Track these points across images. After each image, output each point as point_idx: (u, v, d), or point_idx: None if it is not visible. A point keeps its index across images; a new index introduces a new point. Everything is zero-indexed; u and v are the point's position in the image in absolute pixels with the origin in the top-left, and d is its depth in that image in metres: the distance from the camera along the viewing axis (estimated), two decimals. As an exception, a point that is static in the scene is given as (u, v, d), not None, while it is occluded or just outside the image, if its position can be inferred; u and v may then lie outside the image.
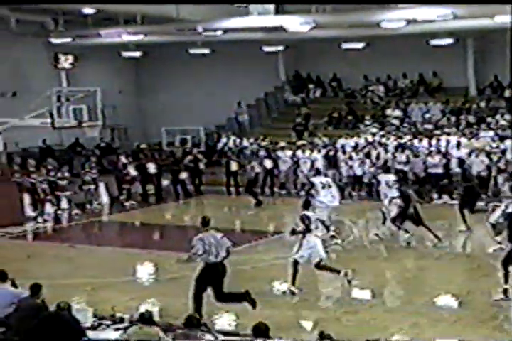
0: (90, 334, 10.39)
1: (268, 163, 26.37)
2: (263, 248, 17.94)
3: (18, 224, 21.34)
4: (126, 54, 32.54)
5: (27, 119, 21.82)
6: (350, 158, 25.84)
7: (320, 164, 25.49)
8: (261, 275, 14.87)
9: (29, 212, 22.66)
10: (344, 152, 26.45)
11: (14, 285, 11.50)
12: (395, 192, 18.12)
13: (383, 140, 27.31)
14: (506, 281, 12.95)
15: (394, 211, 17.87)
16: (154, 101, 35.05)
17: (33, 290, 10.89)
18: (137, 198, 25.73)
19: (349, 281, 13.84)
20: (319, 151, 26.67)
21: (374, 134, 28.38)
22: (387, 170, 20.55)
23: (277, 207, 24.47)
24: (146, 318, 9.60)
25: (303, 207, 14.89)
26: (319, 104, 33.41)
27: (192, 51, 31.48)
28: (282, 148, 27.49)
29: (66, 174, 24.17)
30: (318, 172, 20.08)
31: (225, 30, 27.40)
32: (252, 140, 30.46)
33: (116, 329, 11.30)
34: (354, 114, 31.72)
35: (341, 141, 27.99)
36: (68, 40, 29.42)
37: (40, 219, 22.46)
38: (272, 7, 26.03)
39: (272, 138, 29.84)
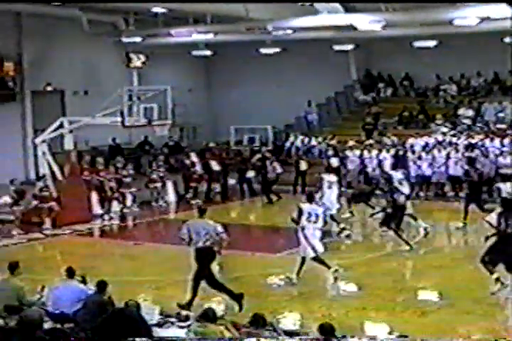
0: (156, 331, 10.41)
1: (334, 162, 26.25)
2: (328, 247, 17.76)
3: (86, 222, 21.59)
4: (196, 53, 32.72)
5: (98, 118, 21.99)
6: (420, 157, 25.58)
7: (388, 164, 25.35)
8: (325, 275, 14.73)
9: (97, 209, 22.88)
10: (413, 152, 26.20)
11: (84, 281, 11.61)
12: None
13: (454, 139, 26.91)
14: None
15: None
16: (224, 99, 35.14)
17: (99, 287, 10.97)
18: (203, 197, 25.81)
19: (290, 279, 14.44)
20: (388, 151, 26.44)
21: (444, 133, 27.99)
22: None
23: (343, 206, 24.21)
24: (210, 316, 9.56)
25: (307, 199, 15.10)
26: (390, 103, 33.06)
27: (262, 50, 31.47)
28: (351, 148, 27.30)
29: (131, 171, 24.36)
30: (328, 170, 21.47)
31: (295, 29, 27.29)
32: (320, 139, 30.34)
33: (181, 327, 11.31)
34: (425, 113, 31.31)
35: (411, 141, 27.69)
36: (139, 39, 29.71)
37: (106, 217, 22.67)
38: (340, 5, 25.81)
39: (340, 138, 29.66)
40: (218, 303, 12.84)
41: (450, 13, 24.09)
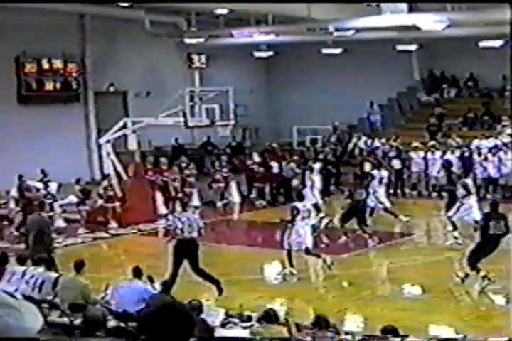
0: (219, 331, 10.39)
1: (396, 164, 25.98)
2: (391, 250, 17.61)
3: (151, 222, 21.70)
4: (257, 54, 32.72)
5: (161, 118, 22.10)
6: (486, 159, 25.18)
7: (454, 165, 25.02)
8: (389, 277, 14.57)
9: (162, 209, 22.94)
10: (479, 153, 25.80)
11: (151, 280, 11.66)
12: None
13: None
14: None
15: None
16: (286, 100, 35.03)
17: (164, 287, 11.00)
18: (267, 197, 25.74)
19: (329, 267, 14.87)
20: (453, 152, 26.09)
21: (511, 135, 27.53)
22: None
23: (408, 208, 23.92)
24: (271, 317, 9.51)
25: (296, 198, 16.43)
26: (454, 104, 32.64)
27: (324, 51, 31.31)
28: (415, 149, 27.00)
29: (194, 171, 24.40)
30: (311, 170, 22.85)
31: (357, 30, 27.08)
32: (383, 140, 30.07)
33: (244, 328, 11.26)
34: (491, 114, 30.82)
35: (476, 142, 27.28)
36: (201, 40, 29.77)
37: (170, 217, 22.64)
38: (404, 5, 25.54)
39: (404, 139, 29.36)
40: (281, 305, 12.79)
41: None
